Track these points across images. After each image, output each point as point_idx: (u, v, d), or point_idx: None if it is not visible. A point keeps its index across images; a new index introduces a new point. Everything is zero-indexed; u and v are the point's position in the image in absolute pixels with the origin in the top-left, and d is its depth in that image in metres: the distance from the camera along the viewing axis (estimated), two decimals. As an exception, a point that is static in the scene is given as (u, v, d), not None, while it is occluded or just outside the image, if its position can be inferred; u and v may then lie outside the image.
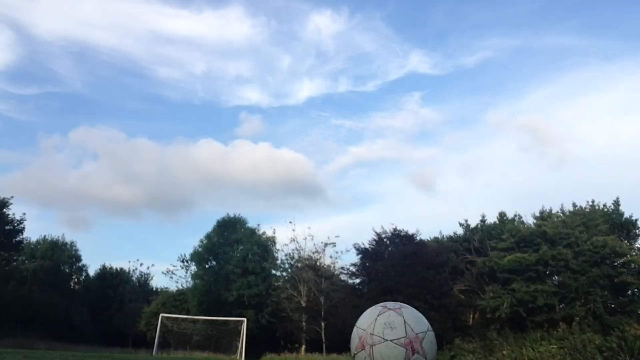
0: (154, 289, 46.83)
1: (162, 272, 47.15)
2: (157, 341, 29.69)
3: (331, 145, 77.97)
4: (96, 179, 69.36)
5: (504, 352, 19.45)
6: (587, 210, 31.48)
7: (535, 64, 78.82)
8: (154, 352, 28.87)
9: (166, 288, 44.34)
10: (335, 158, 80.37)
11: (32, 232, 61.27)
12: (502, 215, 33.65)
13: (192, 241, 71.29)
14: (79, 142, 75.31)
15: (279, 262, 39.22)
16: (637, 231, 30.58)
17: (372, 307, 2.76)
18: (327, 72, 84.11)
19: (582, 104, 76.88)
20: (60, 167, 73.62)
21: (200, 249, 39.31)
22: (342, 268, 34.54)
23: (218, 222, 40.66)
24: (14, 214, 34.10)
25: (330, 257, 36.07)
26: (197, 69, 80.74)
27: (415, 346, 2.54)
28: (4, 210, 33.42)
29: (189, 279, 39.87)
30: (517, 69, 78.72)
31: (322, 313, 32.84)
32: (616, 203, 31.18)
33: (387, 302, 2.91)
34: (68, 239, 44.86)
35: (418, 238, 31.83)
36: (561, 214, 31.92)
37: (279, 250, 39.34)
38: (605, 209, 31.26)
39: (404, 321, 2.62)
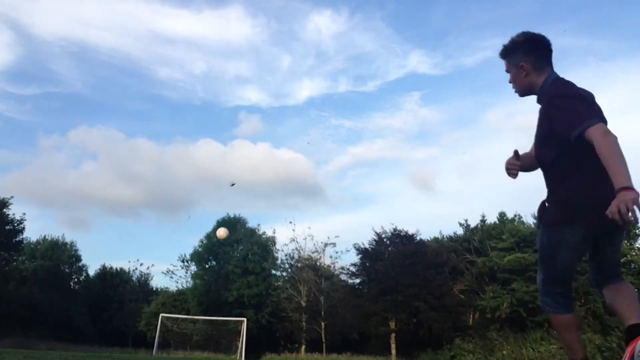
0: (154, 289, 46.78)
1: (162, 272, 47.37)
2: (157, 341, 29.64)
3: (331, 145, 77.89)
4: (96, 179, 69.08)
5: (504, 352, 19.50)
6: (587, 210, 31.46)
7: (535, 64, 78.76)
8: (154, 352, 28.83)
9: (166, 288, 44.34)
10: (335, 158, 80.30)
11: (32, 232, 60.86)
12: (502, 215, 33.61)
13: (192, 241, 71.14)
14: (78, 142, 75.15)
15: (279, 262, 39.20)
16: (637, 231, 30.54)
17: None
18: (327, 72, 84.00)
19: (582, 103, 76.80)
20: (60, 167, 73.43)
21: (200, 249, 39.30)
22: (342, 268, 34.54)
23: (218, 222, 40.58)
24: (14, 214, 34.07)
25: (330, 257, 36.04)
26: (197, 69, 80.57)
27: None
28: (4, 210, 33.40)
29: (189, 279, 39.87)
30: (517, 69, 78.66)
31: (322, 313, 32.82)
32: (616, 203, 31.13)
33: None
34: (68, 239, 44.78)
35: (418, 238, 31.85)
36: (561, 214, 31.86)
37: (279, 250, 39.31)
38: (605, 209, 31.21)
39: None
